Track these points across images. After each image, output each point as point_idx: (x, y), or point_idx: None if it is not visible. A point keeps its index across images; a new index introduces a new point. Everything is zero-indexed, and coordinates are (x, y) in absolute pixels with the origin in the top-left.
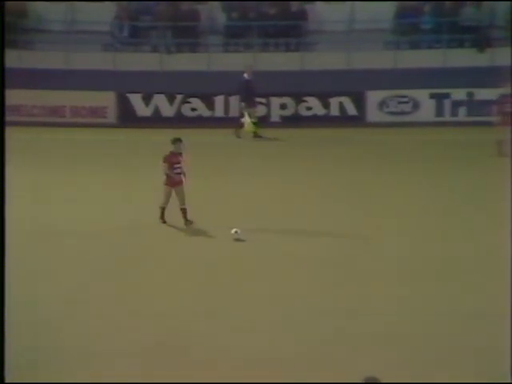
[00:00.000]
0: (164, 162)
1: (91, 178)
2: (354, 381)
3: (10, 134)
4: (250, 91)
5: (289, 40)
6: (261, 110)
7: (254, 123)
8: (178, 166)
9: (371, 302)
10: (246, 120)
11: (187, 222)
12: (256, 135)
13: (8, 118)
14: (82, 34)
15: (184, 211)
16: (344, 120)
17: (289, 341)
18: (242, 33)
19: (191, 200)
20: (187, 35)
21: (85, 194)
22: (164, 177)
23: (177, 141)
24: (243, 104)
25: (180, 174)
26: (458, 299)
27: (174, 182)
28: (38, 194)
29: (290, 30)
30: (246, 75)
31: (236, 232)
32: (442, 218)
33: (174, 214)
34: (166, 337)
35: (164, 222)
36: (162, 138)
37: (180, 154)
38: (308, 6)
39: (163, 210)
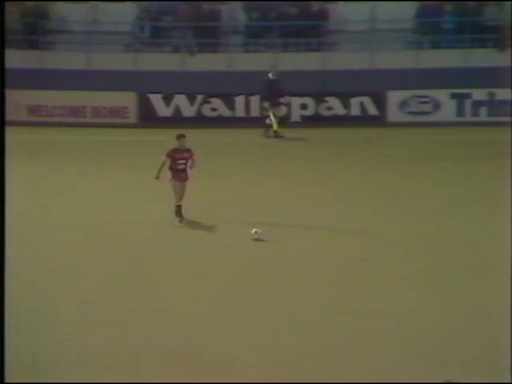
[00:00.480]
0: (167, 156)
1: (112, 179)
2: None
3: (30, 134)
4: (274, 91)
5: (309, 40)
6: (283, 110)
7: (277, 123)
8: (182, 162)
9: (390, 303)
10: (273, 120)
11: (179, 216)
12: (277, 135)
13: (28, 118)
14: (103, 34)
15: (179, 208)
16: (365, 120)
17: (309, 341)
18: (262, 33)
19: (214, 198)
20: (208, 35)
21: (106, 195)
22: (169, 172)
23: (181, 137)
24: (267, 104)
25: (185, 170)
26: (476, 301)
27: (180, 177)
28: (58, 196)
29: (310, 30)
30: (270, 75)
31: (256, 232)
32: (463, 219)
33: (194, 212)
34: (184, 337)
35: (181, 221)
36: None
37: (185, 150)
38: (329, 6)
39: (180, 208)
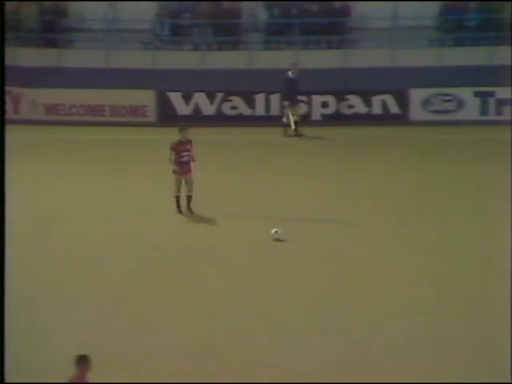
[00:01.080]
0: (171, 149)
1: (132, 178)
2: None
3: (47, 133)
4: (293, 89)
5: (331, 37)
6: (303, 109)
7: (295, 122)
8: (186, 154)
9: (414, 304)
10: (291, 118)
11: (189, 209)
12: (297, 134)
13: (45, 117)
14: (122, 32)
15: (189, 199)
16: (386, 118)
17: (331, 342)
18: (283, 30)
19: (233, 197)
20: (228, 33)
21: (127, 195)
22: (172, 166)
23: (183, 129)
24: (286, 102)
25: (188, 162)
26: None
27: (182, 170)
28: (76, 196)
29: (332, 27)
30: (290, 73)
31: (276, 232)
32: (492, 219)
33: (210, 210)
34: (204, 338)
35: (180, 212)
36: (202, 137)
37: (188, 142)
38: (350, 3)
39: (178, 199)
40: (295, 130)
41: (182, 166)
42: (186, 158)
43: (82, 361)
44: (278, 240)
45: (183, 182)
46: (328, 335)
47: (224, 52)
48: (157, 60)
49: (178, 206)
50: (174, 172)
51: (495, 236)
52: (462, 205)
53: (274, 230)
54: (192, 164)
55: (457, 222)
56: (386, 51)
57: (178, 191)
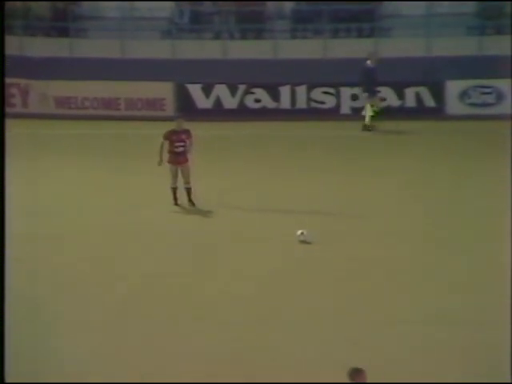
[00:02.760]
0: (164, 139)
1: (148, 175)
2: None
3: (58, 128)
4: (372, 80)
5: (362, 25)
6: (381, 101)
7: (372, 116)
8: (180, 144)
9: (446, 311)
10: (368, 111)
11: (190, 202)
12: (367, 128)
13: (56, 111)
14: (139, 20)
15: (188, 191)
16: (421, 112)
17: (359, 352)
18: (310, 17)
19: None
20: (252, 20)
21: (144, 193)
22: (167, 155)
23: (178, 118)
24: (365, 94)
25: (183, 152)
26: None
27: (176, 160)
28: (90, 196)
29: (363, 14)
30: (368, 63)
31: (302, 233)
32: None
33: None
34: (230, 346)
35: (177, 204)
36: (223, 132)
37: (183, 131)
38: None
39: (175, 190)
40: (366, 124)
41: (176, 157)
42: (180, 149)
43: (356, 373)
44: (303, 242)
45: (180, 173)
46: (356, 345)
47: (247, 41)
48: (175, 50)
49: (175, 198)
50: (158, 164)
51: None
52: (498, 204)
53: (299, 232)
54: (188, 155)
55: (497, 221)
56: (421, 40)
57: (175, 183)
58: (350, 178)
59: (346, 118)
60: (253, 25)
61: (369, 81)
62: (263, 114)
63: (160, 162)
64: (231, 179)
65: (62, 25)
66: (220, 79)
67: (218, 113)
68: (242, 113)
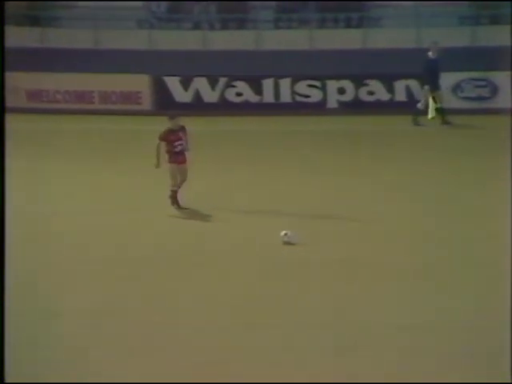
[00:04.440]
0: (161, 140)
1: (124, 175)
2: None
3: (29, 122)
4: (434, 72)
5: (350, 15)
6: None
7: (437, 109)
8: (179, 143)
9: (437, 318)
10: (431, 105)
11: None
12: (444, 122)
13: (27, 104)
14: (114, 9)
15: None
16: (411, 106)
17: (346, 358)
18: (296, 7)
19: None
20: (233, 10)
21: (119, 195)
22: (166, 155)
23: (174, 116)
24: (427, 87)
25: (183, 151)
26: None
27: (178, 159)
28: (61, 198)
29: (351, 3)
30: (430, 54)
31: (286, 234)
32: None
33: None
34: (207, 352)
35: (179, 208)
36: (203, 128)
37: (180, 129)
38: None
39: (175, 193)
40: (433, 118)
41: (177, 157)
42: (179, 148)
43: None
44: (288, 243)
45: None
46: (343, 351)
47: (228, 31)
48: (152, 40)
49: (176, 201)
50: (156, 166)
51: None
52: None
53: (283, 232)
54: (186, 153)
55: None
56: (412, 30)
57: (175, 185)
58: (339, 178)
59: (332, 112)
60: (234, 14)
61: (430, 73)
62: (245, 109)
63: (158, 165)
64: (210, 179)
65: (33, 13)
66: (199, 71)
67: (197, 107)
68: (223, 107)
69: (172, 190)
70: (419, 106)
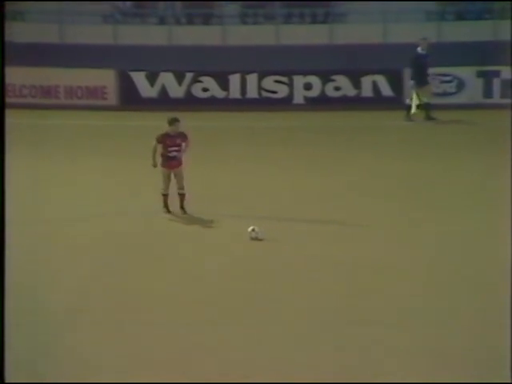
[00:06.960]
0: (157, 142)
1: (90, 170)
2: None
3: None
4: (423, 68)
5: (316, 10)
6: (431, 90)
7: (419, 105)
8: (174, 149)
9: (406, 314)
10: (414, 101)
11: (182, 209)
12: (428, 117)
13: None
14: (79, 3)
15: (182, 197)
16: (378, 102)
17: (315, 353)
18: (261, 2)
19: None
20: (199, 5)
21: (83, 188)
22: (159, 158)
23: (174, 121)
24: (413, 82)
25: (176, 157)
26: None
27: (170, 164)
28: (33, 192)
29: None
30: (419, 49)
31: (253, 230)
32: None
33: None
34: (176, 349)
35: (168, 212)
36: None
37: (179, 136)
38: None
39: (166, 198)
40: (411, 113)
41: (170, 162)
42: (173, 154)
43: None
44: (255, 239)
45: (172, 177)
46: (312, 347)
47: (194, 26)
48: (117, 35)
49: (166, 205)
50: (154, 166)
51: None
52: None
53: (250, 228)
54: (182, 159)
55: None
56: (378, 26)
57: (167, 189)
58: (305, 174)
59: (299, 108)
60: (200, 9)
61: (419, 68)
62: (211, 104)
63: (154, 164)
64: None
65: None
66: (165, 67)
67: (163, 102)
68: (189, 102)
69: (162, 194)
70: (408, 101)
